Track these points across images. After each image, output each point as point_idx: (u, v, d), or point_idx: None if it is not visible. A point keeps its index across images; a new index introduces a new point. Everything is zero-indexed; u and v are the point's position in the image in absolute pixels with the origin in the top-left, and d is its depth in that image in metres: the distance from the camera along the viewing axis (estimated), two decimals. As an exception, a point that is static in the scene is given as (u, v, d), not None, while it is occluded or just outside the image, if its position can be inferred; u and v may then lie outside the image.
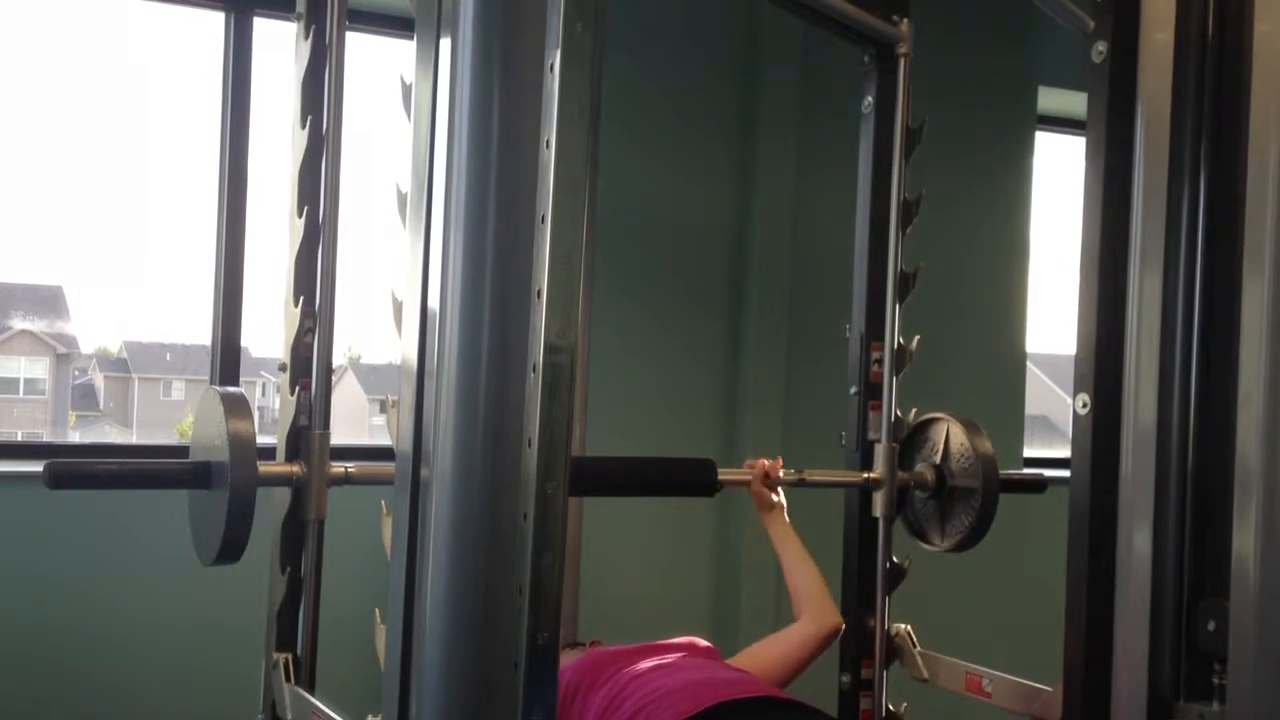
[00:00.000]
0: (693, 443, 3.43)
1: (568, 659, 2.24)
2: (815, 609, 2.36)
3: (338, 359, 2.08)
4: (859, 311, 2.54)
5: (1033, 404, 4.38)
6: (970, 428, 2.43)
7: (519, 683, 1.28)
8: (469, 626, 1.31)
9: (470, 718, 1.31)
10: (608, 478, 2.40)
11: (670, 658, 2.11)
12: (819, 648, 2.35)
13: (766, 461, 2.44)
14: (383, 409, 1.54)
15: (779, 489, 2.46)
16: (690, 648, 2.24)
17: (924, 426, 2.50)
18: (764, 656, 2.25)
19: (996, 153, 4.10)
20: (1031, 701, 2.15)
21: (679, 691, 1.92)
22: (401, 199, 1.47)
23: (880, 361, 2.50)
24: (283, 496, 1.96)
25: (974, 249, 3.96)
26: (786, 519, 2.45)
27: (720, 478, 2.46)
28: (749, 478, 2.44)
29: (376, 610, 1.53)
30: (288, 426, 1.97)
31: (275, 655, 1.97)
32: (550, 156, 1.30)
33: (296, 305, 1.99)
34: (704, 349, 3.59)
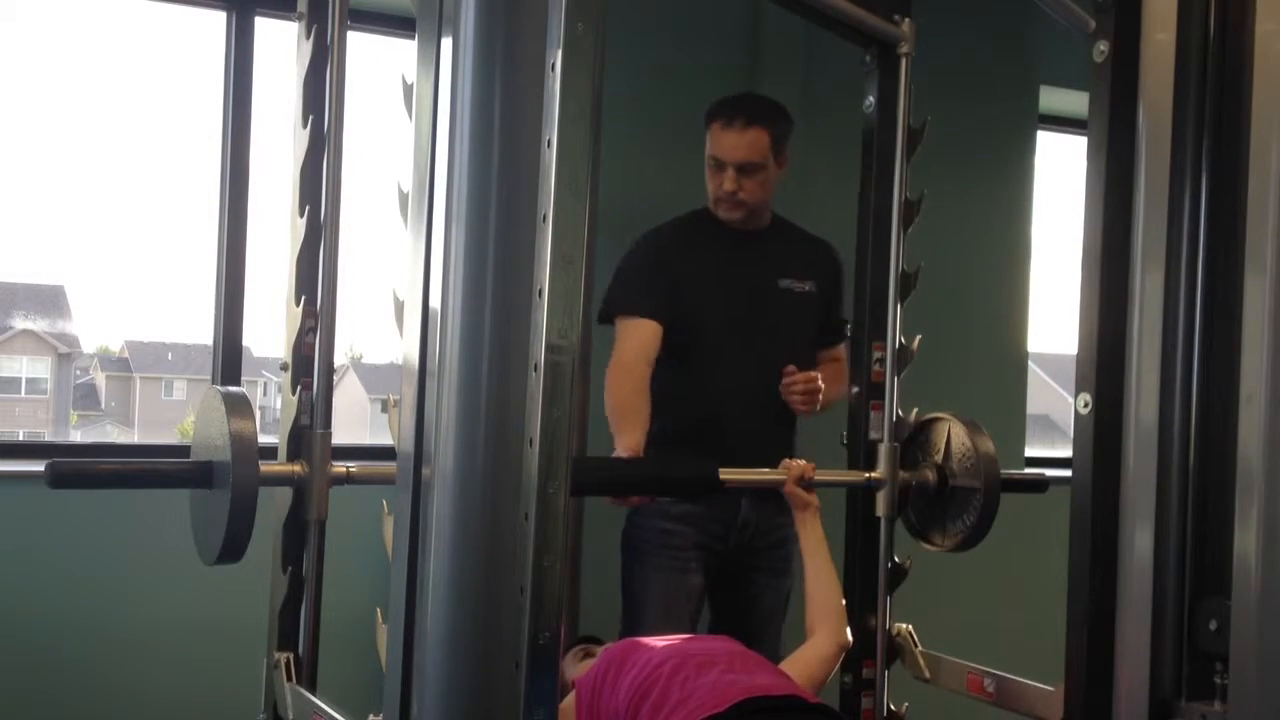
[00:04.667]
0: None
1: (590, 663, 2.23)
2: (832, 625, 2.35)
3: (339, 358, 2.08)
4: (861, 311, 2.54)
5: (1034, 403, 4.38)
6: (972, 427, 2.42)
7: (520, 683, 1.28)
8: (470, 626, 1.31)
9: (471, 717, 1.31)
10: (608, 478, 2.40)
11: (704, 647, 2.11)
12: (836, 665, 2.35)
13: (802, 462, 2.44)
14: (384, 408, 1.54)
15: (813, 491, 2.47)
16: (724, 640, 2.24)
17: (925, 426, 2.50)
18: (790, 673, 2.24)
19: (998, 152, 4.10)
20: (1033, 701, 2.15)
21: (709, 686, 1.92)
22: (403, 198, 1.47)
23: (882, 361, 2.50)
24: (284, 496, 1.96)
25: (976, 248, 3.95)
26: (820, 523, 2.45)
27: (752, 478, 2.48)
28: (782, 477, 2.44)
29: (378, 610, 1.53)
30: (289, 426, 1.97)
31: (277, 654, 1.97)
32: (552, 156, 1.30)
33: (298, 305, 1.99)
34: (705, 348, 3.58)
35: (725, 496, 2.74)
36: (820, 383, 2.73)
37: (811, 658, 2.30)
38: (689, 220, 2.89)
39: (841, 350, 2.90)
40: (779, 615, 2.90)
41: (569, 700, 2.08)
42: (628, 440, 2.60)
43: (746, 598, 2.87)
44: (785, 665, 2.25)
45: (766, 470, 2.49)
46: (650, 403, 2.69)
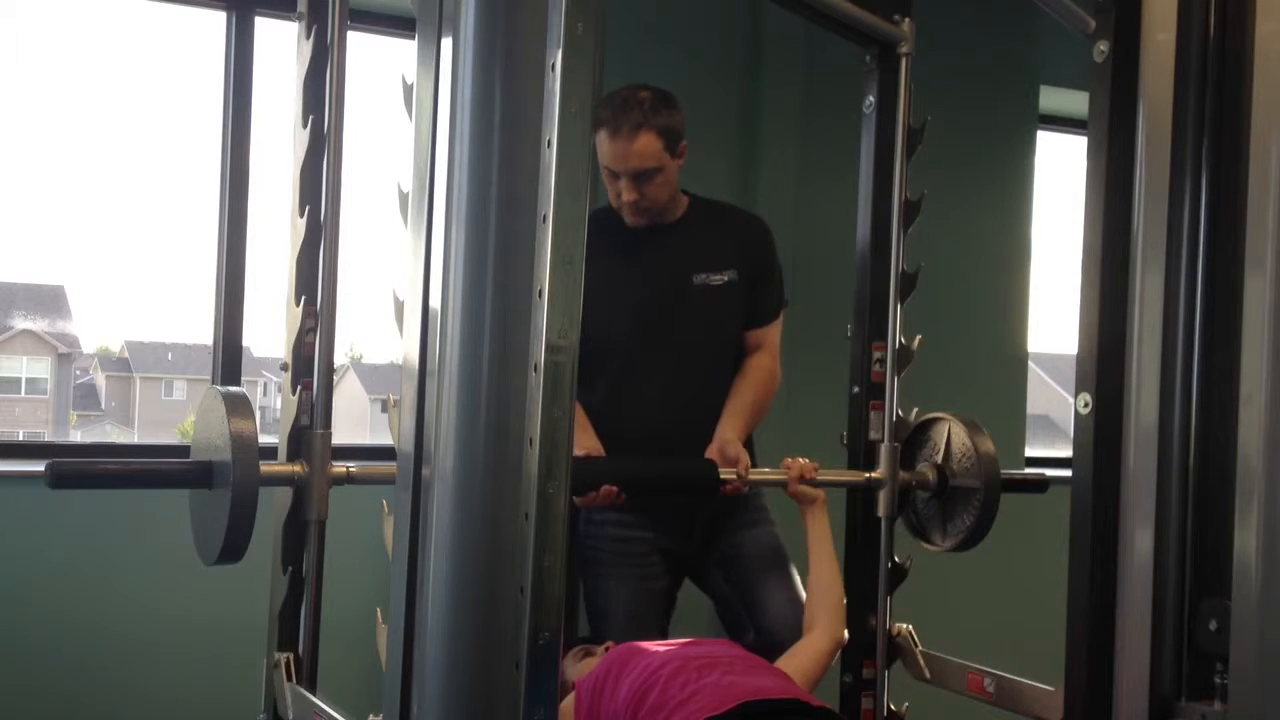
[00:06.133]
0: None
1: (590, 663, 2.22)
2: (830, 623, 2.35)
3: (339, 358, 2.08)
4: (861, 311, 2.54)
5: (1034, 403, 4.38)
6: (972, 427, 2.43)
7: (520, 682, 1.28)
8: (470, 626, 1.31)
9: (471, 717, 1.31)
10: (608, 478, 2.40)
11: (704, 651, 2.11)
12: (831, 661, 2.35)
13: (803, 460, 2.44)
14: (384, 408, 1.54)
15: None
16: (724, 644, 2.24)
17: (926, 426, 2.51)
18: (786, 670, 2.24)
19: (998, 152, 4.10)
20: (1033, 701, 2.15)
21: (709, 688, 1.92)
22: (403, 198, 1.47)
23: (882, 361, 2.50)
24: (284, 496, 1.96)
25: (976, 248, 3.95)
26: (827, 517, 2.45)
27: (753, 478, 2.46)
28: (784, 478, 2.44)
29: (378, 610, 1.53)
30: (289, 426, 1.97)
31: (277, 654, 1.97)
32: (552, 156, 1.30)
33: (298, 305, 1.99)
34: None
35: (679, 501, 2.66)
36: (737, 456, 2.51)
37: (807, 654, 2.31)
38: (594, 221, 2.60)
39: (765, 335, 2.71)
40: (779, 554, 2.67)
41: (568, 701, 2.08)
42: (582, 445, 2.49)
43: (732, 560, 2.68)
44: (781, 662, 2.26)
45: (768, 470, 2.49)
46: (588, 412, 2.58)
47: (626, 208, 2.59)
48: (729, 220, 2.75)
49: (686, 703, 1.89)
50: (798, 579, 2.63)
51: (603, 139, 2.53)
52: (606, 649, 2.25)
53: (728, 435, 2.56)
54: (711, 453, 2.53)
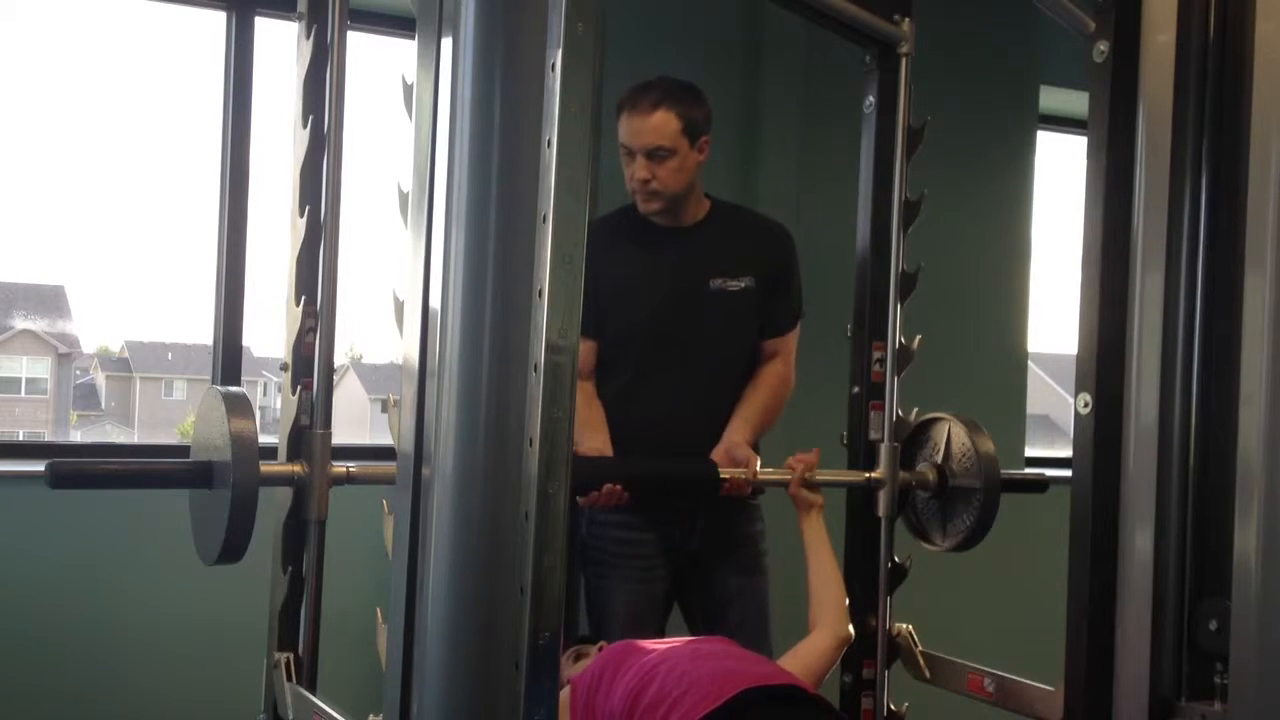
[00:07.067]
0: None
1: (585, 665, 2.22)
2: (833, 620, 2.35)
3: (339, 358, 2.08)
4: (861, 311, 2.54)
5: (1034, 403, 4.38)
6: (972, 427, 2.42)
7: (520, 682, 1.28)
8: (470, 626, 1.31)
9: (471, 717, 1.31)
10: (608, 478, 2.40)
11: (698, 647, 2.11)
12: (835, 659, 2.35)
13: (806, 457, 2.44)
14: (384, 408, 1.54)
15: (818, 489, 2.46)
16: (720, 641, 2.24)
17: (925, 426, 2.50)
18: (789, 668, 2.24)
19: (998, 152, 4.10)
20: (1033, 701, 2.15)
21: (705, 679, 1.92)
22: (403, 198, 1.47)
23: (882, 361, 2.50)
24: (284, 496, 1.96)
25: (976, 248, 3.96)
26: (823, 521, 2.45)
27: (762, 478, 2.47)
28: (787, 478, 2.44)
29: (378, 610, 1.53)
30: (289, 426, 1.97)
31: (277, 655, 1.98)
32: (551, 155, 1.30)
33: (298, 305, 1.99)
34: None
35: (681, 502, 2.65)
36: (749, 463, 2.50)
37: (810, 651, 2.30)
38: (614, 220, 2.68)
39: (782, 343, 2.71)
40: (761, 620, 2.68)
41: (564, 696, 2.08)
42: (591, 445, 2.50)
43: (719, 603, 2.68)
44: (784, 660, 2.26)
45: (771, 470, 2.49)
46: (602, 410, 2.58)
47: (639, 190, 2.56)
48: (751, 226, 2.74)
49: (684, 696, 1.88)
50: (773, 642, 2.65)
51: (623, 118, 2.55)
52: (600, 649, 2.25)
53: (735, 438, 2.57)
54: (718, 455, 2.53)
